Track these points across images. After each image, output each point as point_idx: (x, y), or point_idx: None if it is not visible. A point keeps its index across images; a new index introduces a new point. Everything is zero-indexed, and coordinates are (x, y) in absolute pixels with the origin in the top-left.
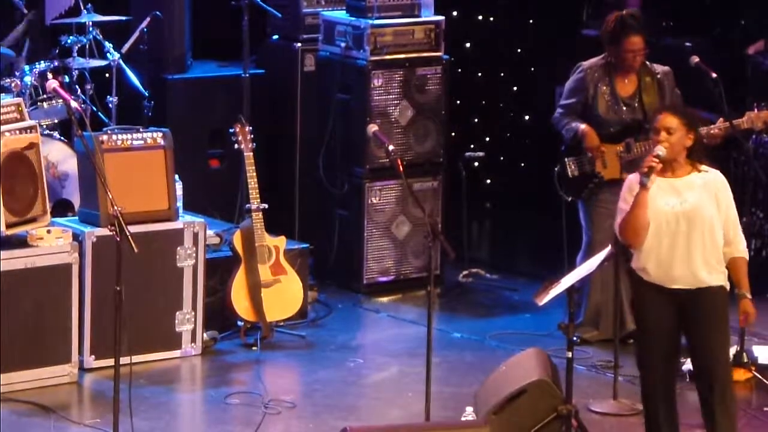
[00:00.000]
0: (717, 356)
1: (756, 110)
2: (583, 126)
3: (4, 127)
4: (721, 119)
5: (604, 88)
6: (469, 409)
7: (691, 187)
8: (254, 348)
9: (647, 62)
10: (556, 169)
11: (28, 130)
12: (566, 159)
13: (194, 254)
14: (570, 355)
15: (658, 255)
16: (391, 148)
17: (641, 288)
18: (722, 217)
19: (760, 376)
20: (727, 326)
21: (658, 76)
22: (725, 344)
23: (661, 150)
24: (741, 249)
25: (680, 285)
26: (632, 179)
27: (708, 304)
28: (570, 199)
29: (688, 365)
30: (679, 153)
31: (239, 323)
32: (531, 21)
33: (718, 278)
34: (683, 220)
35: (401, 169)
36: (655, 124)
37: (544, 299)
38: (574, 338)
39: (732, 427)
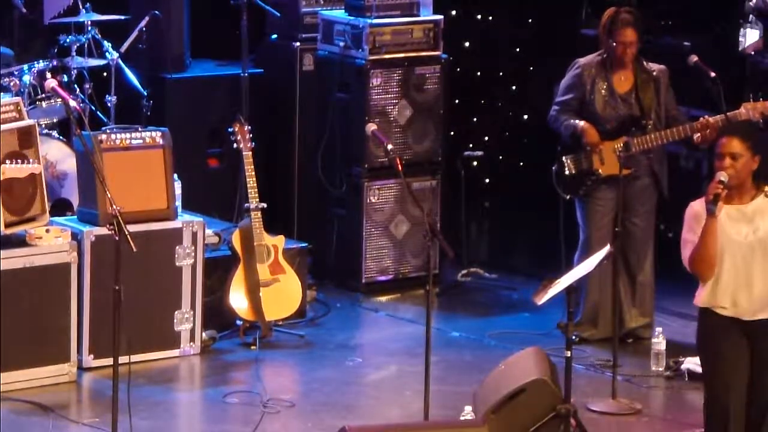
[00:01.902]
0: None
1: (752, 101)
2: (582, 123)
3: (3, 126)
4: (717, 117)
5: (601, 84)
6: (468, 408)
7: (762, 213)
8: (253, 347)
9: (643, 60)
10: (553, 167)
11: (27, 129)
12: (563, 157)
13: (193, 253)
14: (569, 354)
15: (735, 289)
16: (389, 147)
17: (712, 324)
18: None
19: None
20: None
21: (654, 73)
22: None
23: (723, 176)
24: None
25: (760, 317)
26: (696, 207)
27: None
28: (568, 197)
29: (686, 364)
30: (745, 178)
31: (238, 322)
32: (530, 20)
33: None
34: (759, 249)
35: (400, 168)
36: (718, 149)
37: (543, 298)
38: (573, 337)
39: None
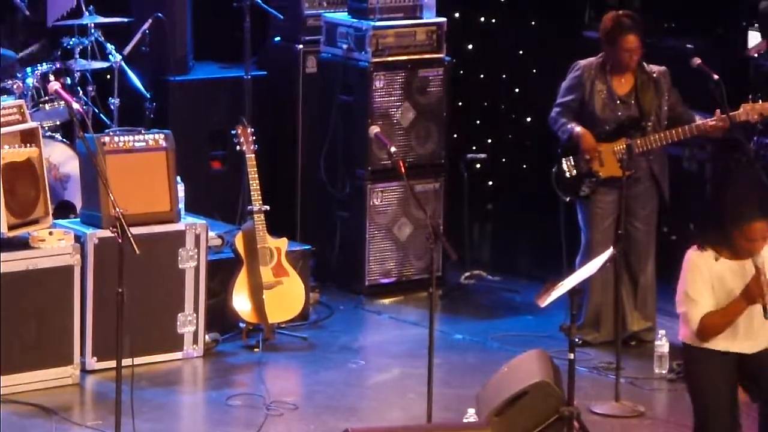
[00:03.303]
0: None
1: (751, 102)
2: (578, 128)
3: (4, 129)
4: (717, 111)
5: (601, 86)
6: (471, 411)
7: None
8: (256, 350)
9: (644, 63)
10: (553, 169)
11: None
12: (563, 159)
13: (196, 256)
14: (572, 356)
15: (734, 332)
16: (392, 149)
17: (702, 357)
18: None
19: None
20: None
21: (655, 75)
22: None
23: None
24: None
25: (754, 350)
26: (697, 261)
27: None
28: (568, 199)
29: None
30: None
31: (241, 325)
32: (533, 23)
33: None
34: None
35: (403, 170)
36: (755, 234)
37: (546, 301)
38: (576, 340)
39: None
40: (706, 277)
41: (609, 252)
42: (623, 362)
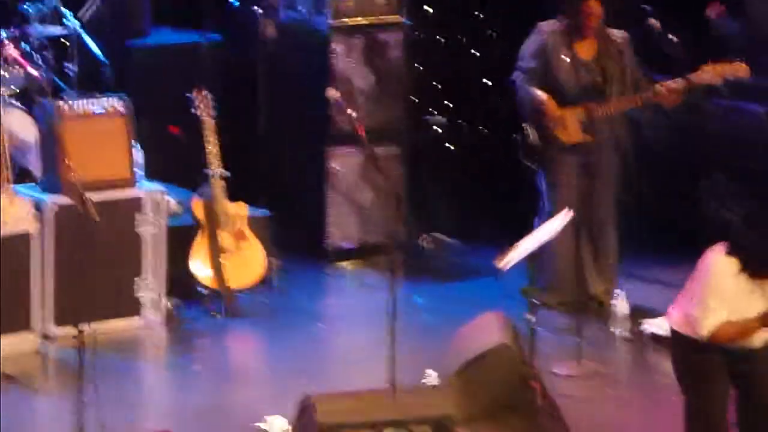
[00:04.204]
0: None
1: (712, 64)
2: (541, 95)
3: None
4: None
5: (564, 51)
6: (432, 373)
7: None
8: (217, 315)
9: (606, 28)
10: (516, 135)
11: None
12: (526, 125)
13: (155, 222)
14: (532, 318)
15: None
16: (352, 114)
17: (700, 347)
18: None
19: None
20: None
21: (617, 41)
22: None
23: None
24: None
25: (753, 345)
26: (723, 266)
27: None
28: (531, 164)
29: (649, 327)
30: None
31: (202, 291)
32: None
33: None
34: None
35: (363, 135)
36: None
37: (506, 264)
38: (536, 302)
39: None
40: (727, 286)
41: (567, 215)
42: (583, 324)
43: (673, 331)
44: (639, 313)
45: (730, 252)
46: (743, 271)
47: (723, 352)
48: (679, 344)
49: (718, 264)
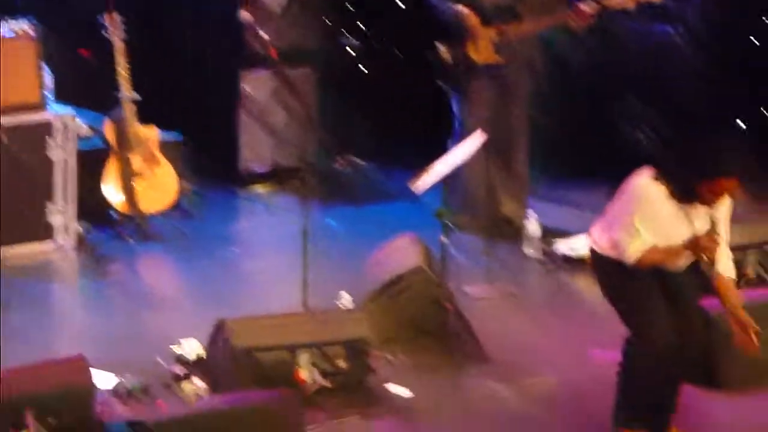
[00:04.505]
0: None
1: None
2: (463, 8)
3: None
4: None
5: None
6: (346, 296)
7: (700, 216)
8: (129, 240)
9: None
10: (429, 55)
11: None
12: (440, 45)
13: (65, 146)
14: (445, 240)
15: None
16: (265, 37)
17: (623, 271)
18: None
19: None
20: None
21: None
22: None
23: (722, 239)
24: None
25: (678, 269)
26: (647, 189)
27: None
28: (444, 85)
29: (559, 248)
30: None
31: (114, 215)
32: None
33: None
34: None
35: (275, 57)
36: (721, 186)
37: (420, 186)
38: (449, 224)
39: None
40: (654, 212)
41: (479, 136)
42: (495, 245)
43: (596, 254)
44: (551, 234)
45: (658, 178)
46: (671, 198)
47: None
48: (602, 266)
49: (646, 189)
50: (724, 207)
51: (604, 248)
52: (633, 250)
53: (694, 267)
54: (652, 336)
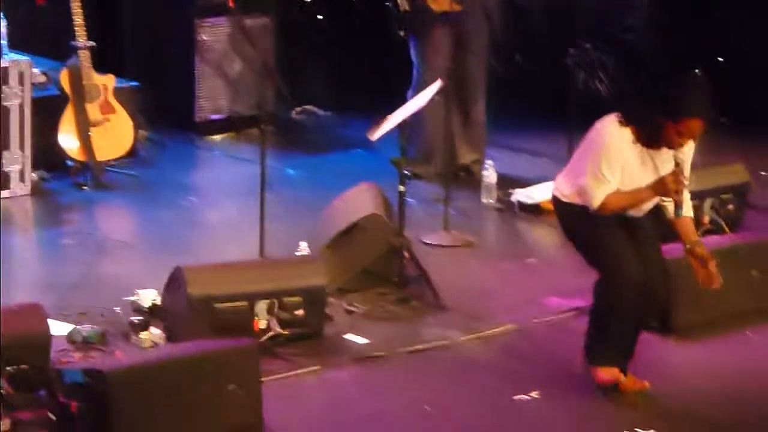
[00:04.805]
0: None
1: None
2: None
3: None
4: None
5: None
6: (303, 244)
7: (664, 162)
8: (85, 188)
9: None
10: (387, 3)
11: None
12: None
13: (20, 93)
14: (402, 188)
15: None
16: None
17: (588, 212)
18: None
19: None
20: None
21: None
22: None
23: (687, 181)
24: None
25: (640, 215)
26: (617, 139)
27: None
28: (403, 34)
29: (516, 196)
30: None
31: (69, 163)
32: None
33: None
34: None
35: (232, 5)
36: (687, 131)
37: (377, 135)
38: (407, 172)
39: None
40: (621, 157)
41: (438, 85)
42: (453, 193)
43: (562, 203)
44: (506, 181)
45: (623, 122)
46: (636, 142)
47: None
48: (568, 214)
49: (612, 134)
50: (688, 149)
51: (570, 196)
52: (597, 194)
53: (654, 214)
54: (623, 275)
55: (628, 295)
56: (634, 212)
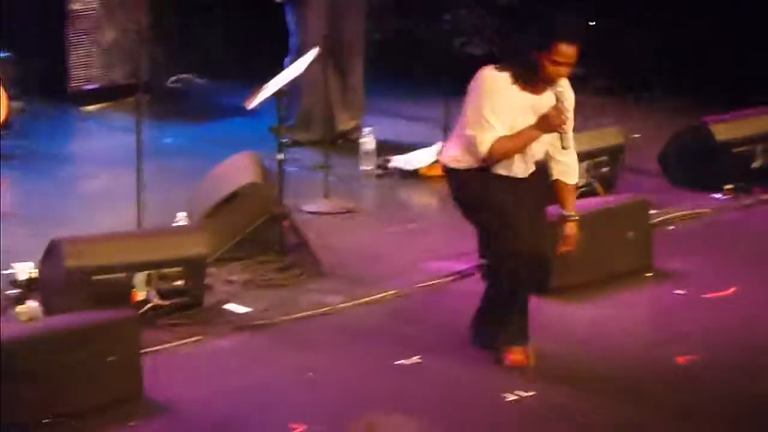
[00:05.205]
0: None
1: None
2: None
3: None
4: None
5: None
6: (181, 215)
7: (545, 106)
8: None
9: None
10: None
11: None
12: None
13: None
14: (280, 157)
15: (510, 159)
16: None
17: (477, 176)
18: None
19: None
20: None
21: None
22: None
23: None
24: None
25: (526, 174)
26: (498, 82)
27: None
28: (279, 1)
29: (395, 162)
30: None
31: None
32: None
33: None
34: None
35: None
36: (561, 57)
37: (254, 103)
38: (285, 140)
39: None
40: (502, 100)
41: (314, 52)
42: (332, 161)
43: (451, 170)
44: (385, 148)
45: (500, 68)
46: (515, 83)
47: (497, 178)
48: (457, 181)
49: (490, 79)
50: (568, 93)
51: (458, 157)
52: (484, 140)
53: (539, 178)
54: (516, 241)
55: (522, 261)
56: (520, 172)
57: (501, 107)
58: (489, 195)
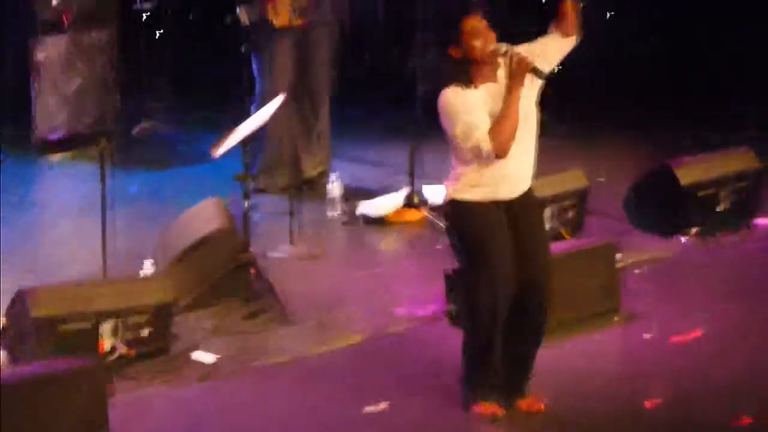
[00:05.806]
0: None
1: None
2: None
3: None
4: None
5: None
6: (148, 262)
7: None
8: None
9: None
10: (228, 18)
11: None
12: (238, 6)
13: None
14: (246, 204)
15: (496, 180)
16: (54, 2)
17: (470, 208)
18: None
19: (431, 217)
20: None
21: None
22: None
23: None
24: None
25: (519, 191)
26: (461, 95)
27: (533, 206)
28: (246, 48)
29: (361, 209)
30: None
31: None
32: None
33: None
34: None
35: (67, 23)
36: (473, 31)
37: (220, 150)
38: (251, 188)
39: None
40: (473, 103)
41: (280, 99)
42: (298, 207)
43: (448, 202)
44: (351, 193)
45: (448, 84)
46: (471, 85)
47: (496, 207)
48: (455, 213)
49: (452, 95)
50: (510, 48)
51: (471, 184)
52: (482, 138)
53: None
54: (490, 273)
55: (490, 295)
56: (507, 191)
57: (474, 109)
58: (475, 227)
